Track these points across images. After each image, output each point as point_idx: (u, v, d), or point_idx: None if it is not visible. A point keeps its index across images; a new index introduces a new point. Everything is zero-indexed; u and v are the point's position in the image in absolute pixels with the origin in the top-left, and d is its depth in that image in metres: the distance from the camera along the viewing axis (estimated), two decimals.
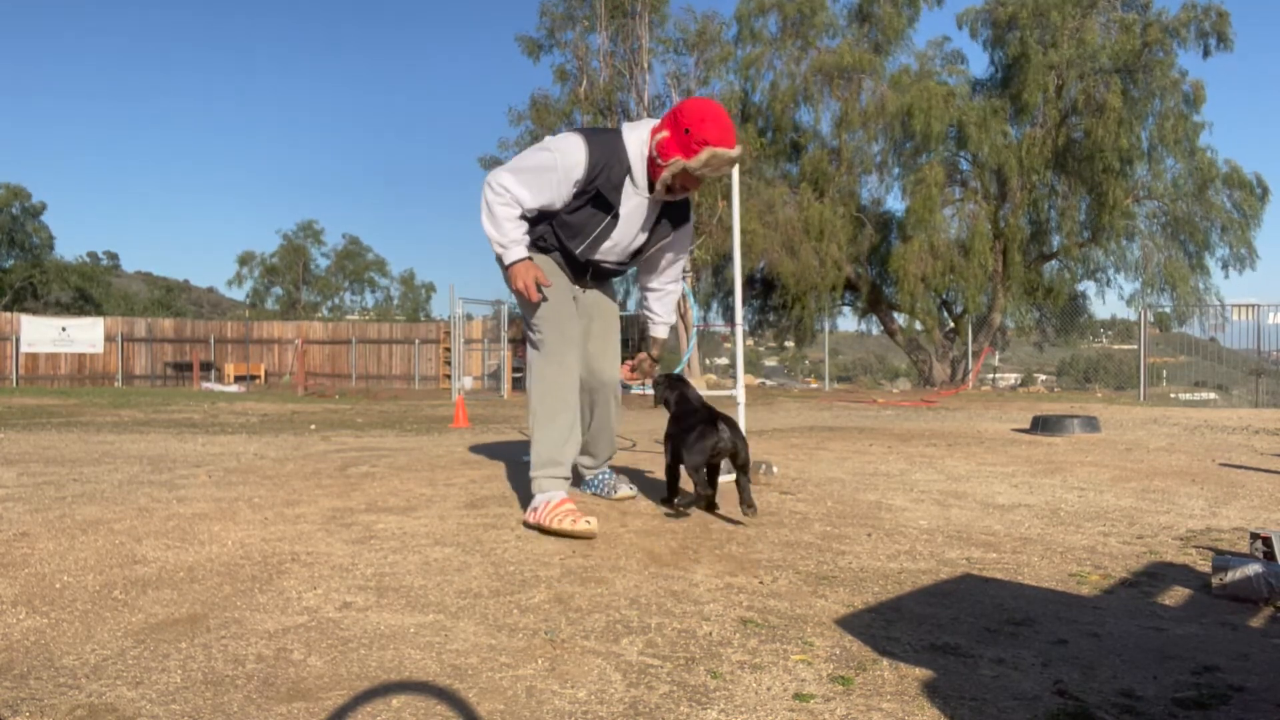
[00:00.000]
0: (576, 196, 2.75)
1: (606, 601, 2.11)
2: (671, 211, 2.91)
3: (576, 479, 3.29)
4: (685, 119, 2.57)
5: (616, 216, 2.79)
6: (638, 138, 2.74)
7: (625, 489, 3.26)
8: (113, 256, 53.48)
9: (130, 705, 1.48)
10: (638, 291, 3.25)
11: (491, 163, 23.28)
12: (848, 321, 26.03)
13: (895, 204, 23.98)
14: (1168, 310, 20.50)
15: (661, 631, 1.89)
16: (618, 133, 2.77)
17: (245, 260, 49.56)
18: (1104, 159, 19.62)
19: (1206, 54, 20.09)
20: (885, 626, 1.93)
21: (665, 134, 2.62)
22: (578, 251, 2.87)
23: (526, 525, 2.82)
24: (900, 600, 2.14)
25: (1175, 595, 2.22)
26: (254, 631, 1.87)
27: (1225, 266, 21.22)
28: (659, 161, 2.64)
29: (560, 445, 2.87)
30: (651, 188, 2.76)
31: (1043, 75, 20.27)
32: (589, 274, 3.04)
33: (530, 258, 2.84)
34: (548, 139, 2.83)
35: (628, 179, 2.74)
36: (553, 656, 1.73)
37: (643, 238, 2.93)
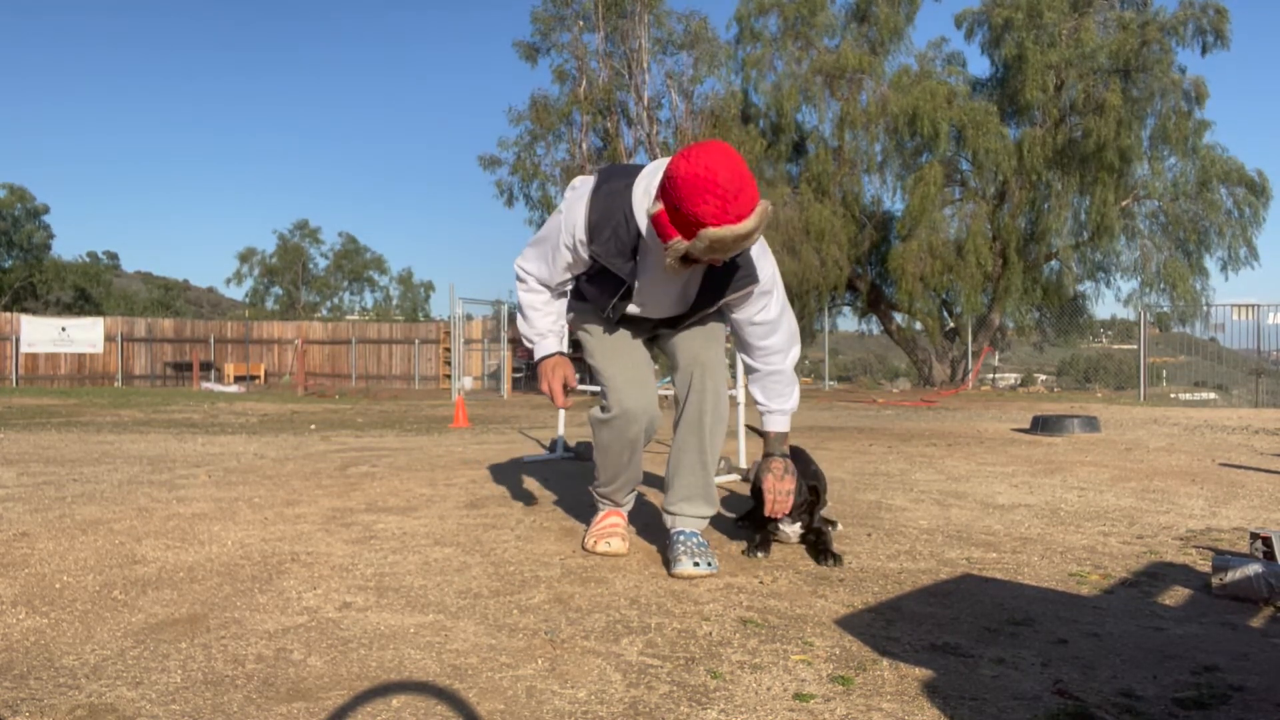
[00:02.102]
0: (593, 260, 2.32)
1: (606, 601, 2.11)
2: (720, 276, 2.33)
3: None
4: (675, 193, 1.99)
5: (630, 287, 2.33)
6: (646, 189, 2.23)
7: (689, 565, 2.38)
8: (113, 256, 53.43)
9: (130, 705, 1.48)
10: None
11: (491, 162, 23.30)
12: (848, 321, 25.96)
13: (896, 204, 23.95)
14: (1167, 310, 20.51)
15: (661, 631, 1.89)
16: (629, 182, 2.27)
17: (246, 257, 49.57)
18: (1104, 158, 19.60)
19: (1205, 51, 20.10)
20: (885, 626, 1.93)
21: (659, 206, 2.05)
22: (604, 315, 2.49)
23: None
24: (900, 600, 2.14)
25: (1175, 595, 2.22)
26: (254, 631, 1.87)
27: (1225, 267, 21.23)
28: (660, 241, 2.10)
29: (610, 485, 2.66)
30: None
31: (1041, 75, 20.25)
32: (645, 327, 2.62)
33: (561, 353, 2.54)
34: (568, 190, 2.43)
35: (641, 241, 2.25)
36: (553, 656, 1.73)
37: (682, 305, 2.46)
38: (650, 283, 2.36)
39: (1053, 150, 20.56)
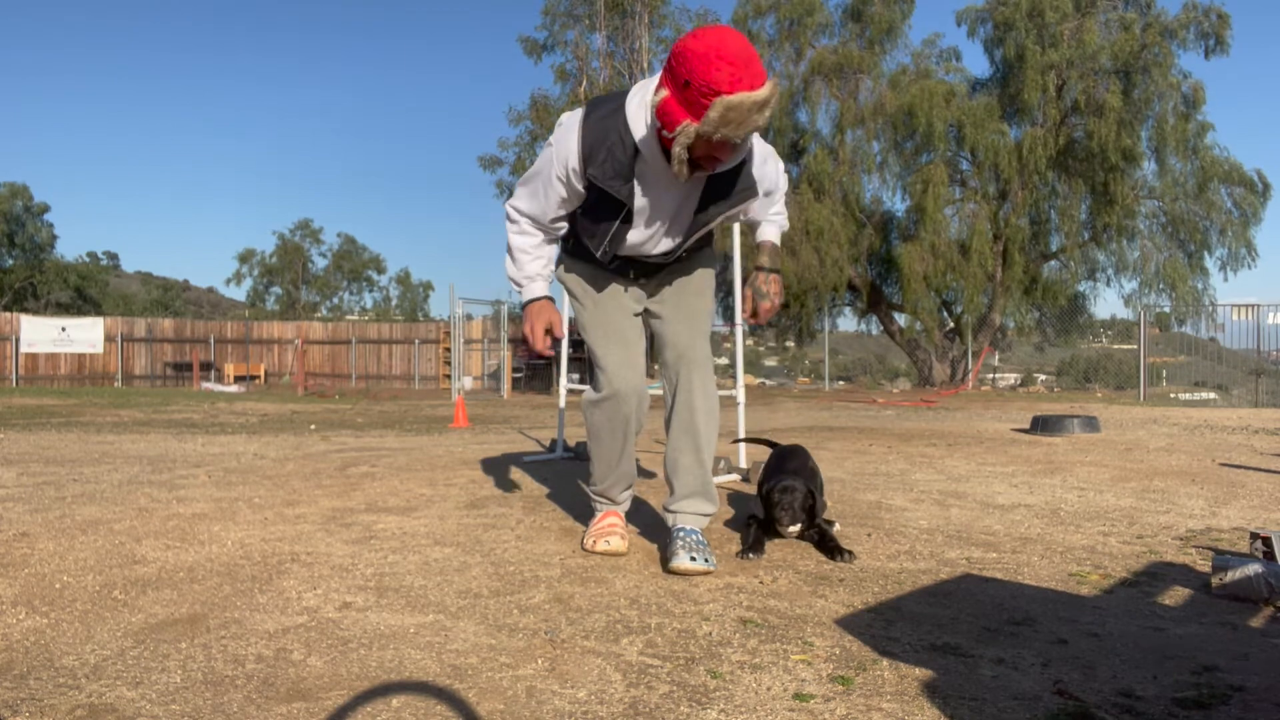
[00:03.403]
0: (588, 189, 2.25)
1: (606, 601, 2.11)
2: (725, 182, 2.24)
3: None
4: (683, 67, 1.92)
5: (630, 212, 2.25)
6: (641, 101, 2.15)
7: (685, 559, 2.35)
8: (112, 256, 53.61)
9: (130, 705, 1.48)
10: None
11: (491, 162, 23.32)
12: (848, 321, 25.97)
13: (896, 204, 23.96)
14: (1167, 310, 20.51)
15: (661, 631, 1.89)
16: (620, 103, 2.20)
17: (245, 258, 49.59)
18: (1104, 159, 19.61)
19: (1208, 55, 20.10)
20: (885, 626, 1.93)
21: (664, 93, 1.98)
22: (598, 254, 2.37)
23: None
24: (900, 600, 2.14)
25: (1175, 595, 2.22)
26: (254, 631, 1.87)
27: (1224, 267, 21.23)
28: (665, 133, 2.03)
29: (603, 481, 2.65)
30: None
31: (1042, 75, 20.26)
32: (635, 272, 2.54)
33: (548, 298, 2.48)
34: (556, 128, 2.36)
35: (639, 160, 2.18)
36: (553, 656, 1.73)
37: (679, 230, 2.37)
38: (648, 207, 2.29)
39: (1054, 150, 20.57)
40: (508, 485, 3.87)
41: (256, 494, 3.68)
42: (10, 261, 38.87)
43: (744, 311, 2.50)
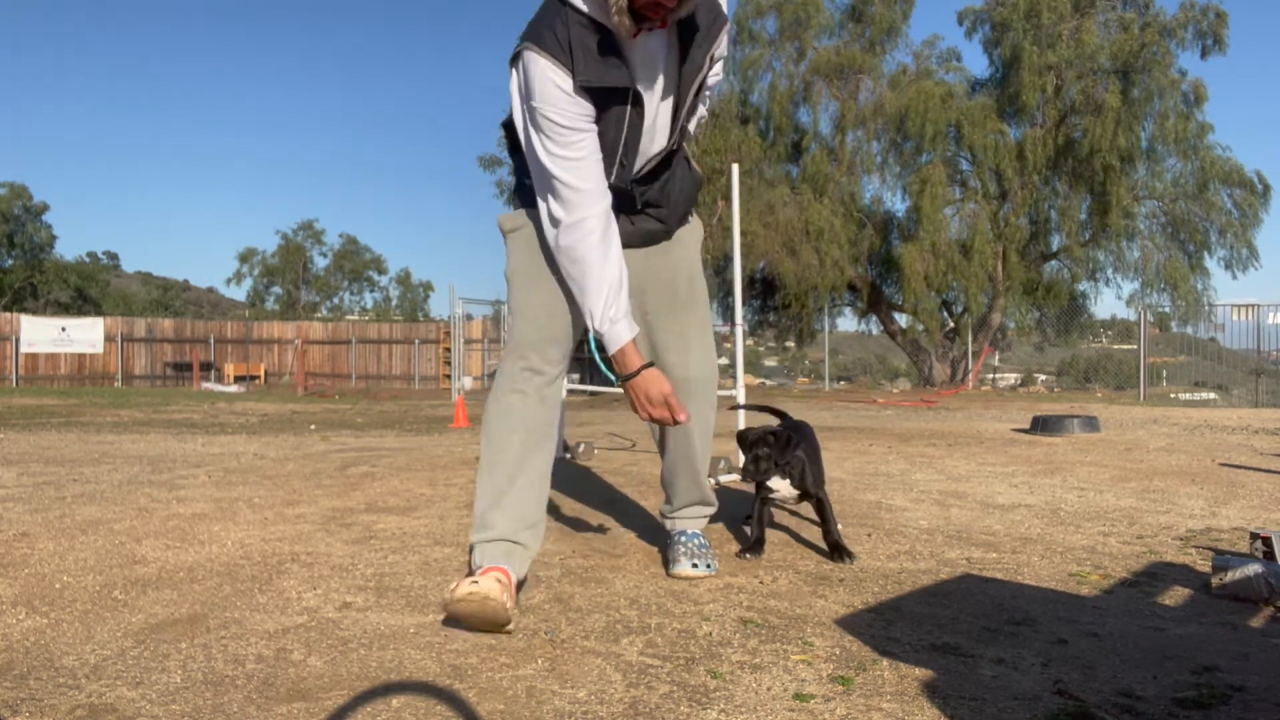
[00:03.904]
0: (585, 94, 1.86)
1: (606, 601, 2.11)
2: (689, 26, 1.90)
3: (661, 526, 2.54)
4: None
5: (637, 93, 1.90)
6: None
7: (688, 566, 2.30)
8: (112, 256, 53.55)
9: (130, 705, 1.48)
10: None
11: (491, 162, 23.29)
12: (848, 321, 25.96)
13: (896, 204, 23.96)
14: (1168, 310, 20.51)
15: (661, 631, 1.89)
16: (549, 5, 1.88)
17: (246, 257, 49.56)
18: (1104, 159, 19.61)
19: (1204, 54, 20.11)
20: (885, 626, 1.93)
21: None
22: (615, 179, 1.96)
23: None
24: (900, 600, 2.14)
25: (1175, 595, 2.22)
26: (254, 631, 1.87)
27: (1227, 267, 21.23)
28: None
29: (487, 504, 2.01)
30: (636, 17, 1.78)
31: (1040, 75, 20.27)
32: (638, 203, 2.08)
33: (648, 366, 1.96)
34: (512, 88, 1.93)
35: (608, 34, 1.84)
36: (553, 656, 1.73)
37: (672, 89, 1.98)
38: (645, 85, 1.92)
39: (1054, 150, 20.57)
40: None
41: (256, 494, 3.68)
42: (10, 261, 38.87)
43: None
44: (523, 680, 1.61)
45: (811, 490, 2.56)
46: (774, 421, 2.85)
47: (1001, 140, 21.03)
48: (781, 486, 2.54)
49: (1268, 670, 1.66)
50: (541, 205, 1.94)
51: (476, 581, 1.77)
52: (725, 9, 1.97)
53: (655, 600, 2.12)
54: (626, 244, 2.05)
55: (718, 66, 2.05)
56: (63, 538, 2.75)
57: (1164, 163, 20.78)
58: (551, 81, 1.83)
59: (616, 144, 1.93)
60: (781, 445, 2.47)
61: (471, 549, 2.01)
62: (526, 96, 1.87)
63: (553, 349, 2.05)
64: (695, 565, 2.32)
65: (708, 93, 2.10)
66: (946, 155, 21.73)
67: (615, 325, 1.92)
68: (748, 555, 2.54)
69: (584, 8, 1.83)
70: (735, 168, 4.75)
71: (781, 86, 22.10)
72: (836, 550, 2.52)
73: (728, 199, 17.13)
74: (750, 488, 2.81)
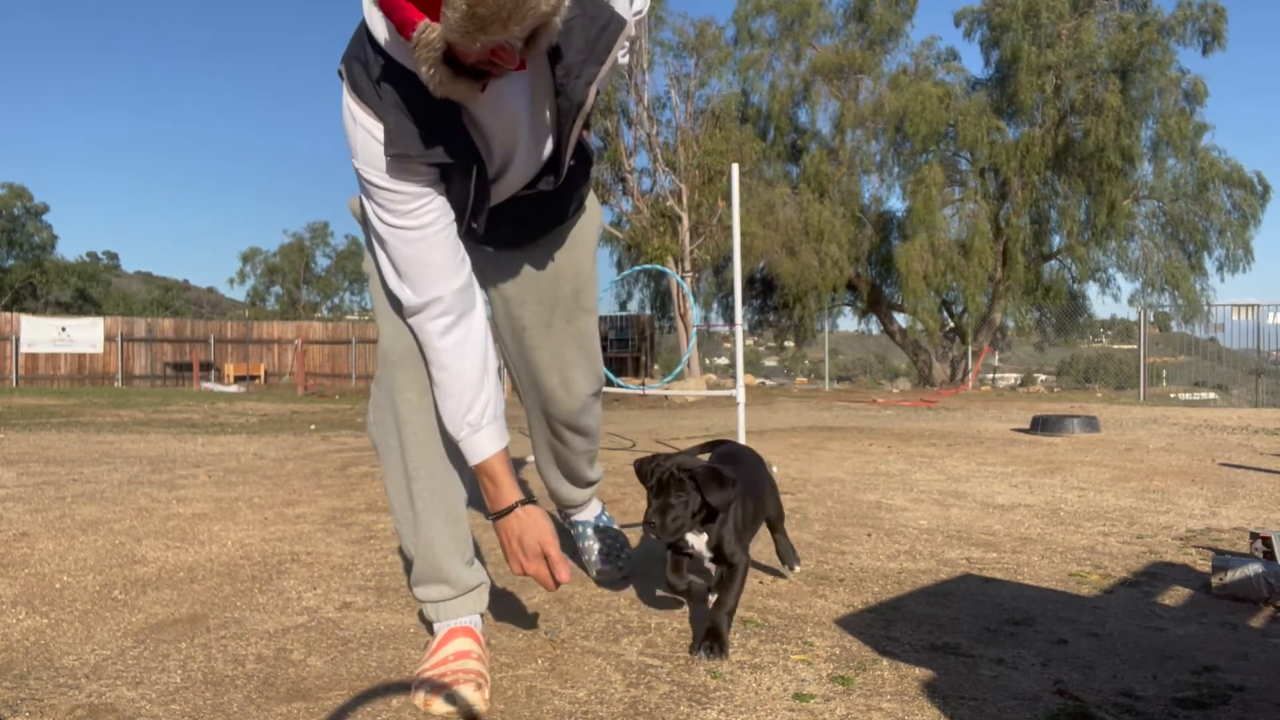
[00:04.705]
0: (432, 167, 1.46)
1: (606, 601, 2.11)
2: (561, 55, 1.43)
3: (559, 525, 2.27)
4: None
5: (484, 159, 1.47)
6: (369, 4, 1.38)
7: (602, 563, 2.18)
8: (113, 256, 53.55)
9: (130, 705, 1.48)
10: None
11: None
12: (848, 321, 26.09)
13: (896, 204, 24.00)
14: (1168, 310, 20.53)
15: (661, 631, 1.89)
16: (361, 26, 1.41)
17: (249, 257, 49.54)
18: (1103, 158, 19.63)
19: (1206, 51, 20.13)
20: (885, 626, 1.93)
21: None
22: (465, 229, 1.54)
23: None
24: (900, 600, 2.14)
25: (1175, 595, 2.22)
26: (254, 631, 1.87)
27: (1223, 267, 21.24)
28: (409, 46, 1.22)
29: (426, 553, 1.66)
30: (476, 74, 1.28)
31: (1039, 75, 20.28)
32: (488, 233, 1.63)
33: (525, 501, 1.65)
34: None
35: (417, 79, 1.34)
36: (553, 656, 1.73)
37: (548, 131, 1.54)
38: (498, 131, 1.48)
39: (1053, 150, 20.59)
40: None
41: (256, 494, 3.68)
42: (10, 261, 38.88)
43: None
44: (523, 680, 1.61)
45: (728, 554, 1.79)
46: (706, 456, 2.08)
47: (1001, 140, 21.05)
48: (698, 543, 1.80)
49: (1268, 670, 1.66)
50: (386, 276, 1.54)
51: (457, 693, 1.45)
52: (626, 9, 1.48)
53: (655, 600, 2.12)
54: (503, 245, 1.75)
55: (627, 47, 1.53)
56: (63, 538, 2.76)
57: (1165, 162, 20.82)
58: (373, 137, 1.41)
59: (464, 205, 1.51)
60: (706, 488, 1.72)
61: (425, 608, 1.68)
62: (350, 149, 1.46)
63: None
64: (619, 566, 2.22)
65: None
66: (946, 155, 21.75)
67: (476, 434, 1.54)
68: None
69: (392, 53, 1.37)
70: (735, 168, 4.75)
71: (781, 86, 22.13)
72: (710, 636, 1.72)
73: (728, 199, 17.14)
74: None
